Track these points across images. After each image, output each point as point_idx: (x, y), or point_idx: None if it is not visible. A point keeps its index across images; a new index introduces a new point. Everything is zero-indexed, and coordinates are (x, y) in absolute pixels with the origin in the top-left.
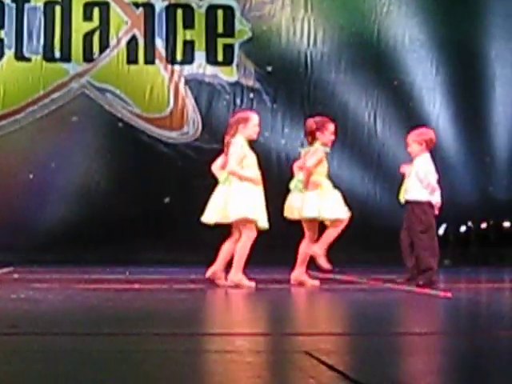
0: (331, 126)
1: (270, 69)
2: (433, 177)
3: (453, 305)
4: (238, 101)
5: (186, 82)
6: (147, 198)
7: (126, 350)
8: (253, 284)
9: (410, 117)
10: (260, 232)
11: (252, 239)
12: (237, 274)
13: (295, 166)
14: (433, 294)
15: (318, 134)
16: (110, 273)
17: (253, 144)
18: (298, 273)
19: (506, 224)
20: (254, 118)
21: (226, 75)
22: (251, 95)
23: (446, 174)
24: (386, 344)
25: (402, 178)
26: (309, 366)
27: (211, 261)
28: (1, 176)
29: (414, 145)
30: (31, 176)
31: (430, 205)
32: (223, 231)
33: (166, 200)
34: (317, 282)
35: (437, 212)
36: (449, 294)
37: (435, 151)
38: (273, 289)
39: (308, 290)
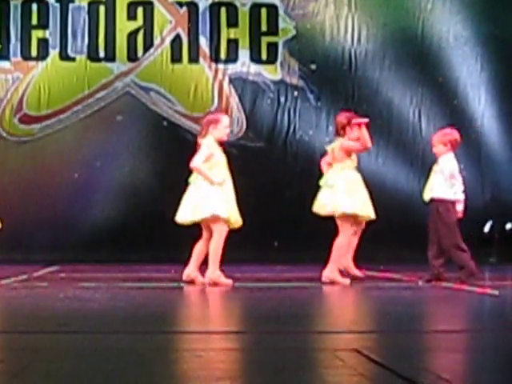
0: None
1: (313, 67)
2: (458, 176)
3: (499, 302)
4: (282, 99)
5: (230, 81)
6: None
7: (174, 349)
8: (230, 282)
9: (455, 114)
10: (235, 229)
11: (224, 236)
12: (214, 272)
13: (323, 163)
14: (479, 292)
15: (347, 128)
16: (155, 271)
17: (224, 145)
18: (329, 270)
19: None
20: (225, 120)
21: (269, 73)
22: (295, 93)
23: (490, 172)
24: (433, 341)
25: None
26: (358, 363)
27: (257, 259)
28: (46, 176)
29: (439, 145)
30: (76, 175)
31: (453, 203)
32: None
33: None
34: (348, 281)
35: (462, 210)
36: (495, 292)
37: (480, 148)
38: (308, 287)
39: (352, 288)
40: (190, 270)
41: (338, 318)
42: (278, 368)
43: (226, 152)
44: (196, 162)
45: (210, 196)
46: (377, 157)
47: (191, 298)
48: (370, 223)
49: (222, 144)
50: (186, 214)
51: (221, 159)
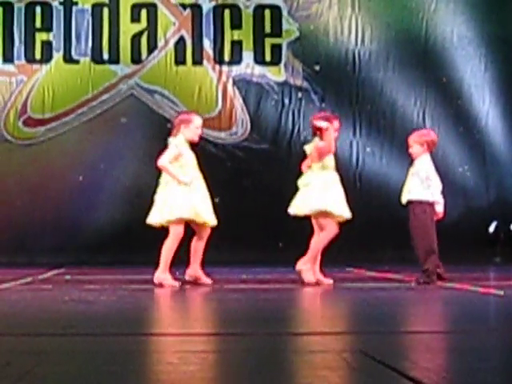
0: (336, 123)
1: (317, 68)
2: (434, 177)
3: (504, 303)
4: (287, 100)
5: (234, 83)
6: None
7: (181, 351)
8: (176, 283)
9: (459, 114)
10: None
11: (178, 238)
12: (163, 273)
13: (304, 165)
14: (485, 293)
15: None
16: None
17: (195, 146)
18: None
19: None
20: (197, 120)
21: (273, 75)
22: (299, 95)
23: (495, 172)
24: (439, 342)
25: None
26: (364, 365)
27: (262, 260)
28: (51, 178)
29: (415, 146)
30: (81, 178)
31: (430, 205)
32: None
33: (216, 200)
34: (331, 281)
35: (441, 211)
36: (501, 292)
37: (484, 149)
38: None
39: (355, 289)
40: (193, 270)
41: (339, 319)
42: (282, 370)
43: (231, 153)
44: (162, 160)
45: (175, 197)
46: (381, 157)
47: (194, 300)
48: (370, 224)
49: (196, 144)
50: (154, 215)
51: (190, 159)
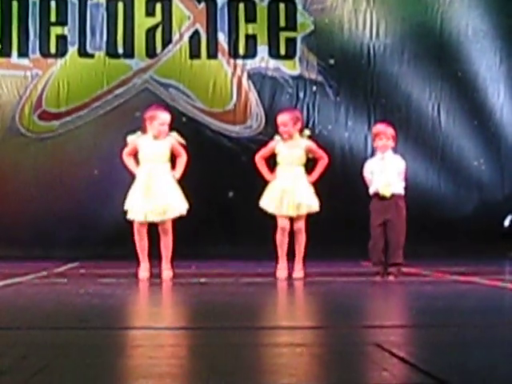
0: (278, 118)
1: (332, 62)
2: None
3: None
4: (301, 94)
5: (249, 76)
6: (211, 193)
7: (195, 345)
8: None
9: (474, 108)
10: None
11: (136, 231)
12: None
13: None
14: (501, 286)
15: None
16: (175, 267)
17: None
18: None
19: None
20: (161, 116)
21: (288, 69)
22: (314, 88)
23: (510, 165)
24: (455, 336)
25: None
26: (381, 358)
27: (275, 255)
28: (66, 172)
29: (390, 140)
30: (96, 172)
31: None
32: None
33: (230, 194)
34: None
35: None
36: None
37: (500, 142)
38: (325, 281)
39: (374, 282)
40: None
41: (359, 312)
42: (299, 364)
43: (246, 147)
44: (123, 154)
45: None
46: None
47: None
48: None
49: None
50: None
51: (146, 155)
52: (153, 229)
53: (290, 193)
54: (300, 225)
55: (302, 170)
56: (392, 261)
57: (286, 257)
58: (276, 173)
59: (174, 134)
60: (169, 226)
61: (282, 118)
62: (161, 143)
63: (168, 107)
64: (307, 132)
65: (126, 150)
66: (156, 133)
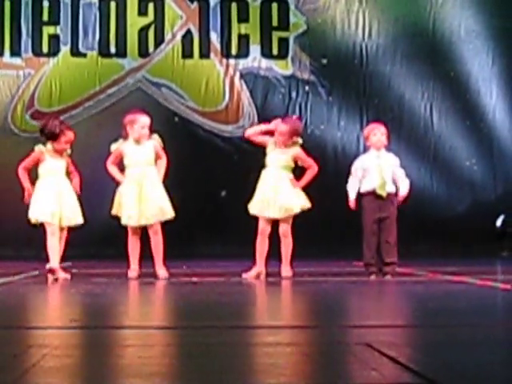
0: (279, 126)
1: (325, 61)
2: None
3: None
4: (294, 94)
5: (242, 76)
6: (203, 192)
7: (185, 344)
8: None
9: (467, 108)
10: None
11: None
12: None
13: None
14: (493, 286)
15: None
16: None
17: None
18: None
19: None
20: (141, 120)
21: (281, 68)
22: (306, 88)
23: (503, 165)
24: (446, 336)
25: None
26: (370, 357)
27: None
28: None
29: (384, 137)
30: (88, 171)
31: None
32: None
33: (223, 194)
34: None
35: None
36: (508, 286)
37: (492, 142)
38: (316, 281)
39: (365, 282)
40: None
41: (350, 312)
42: (285, 363)
43: (238, 147)
44: (107, 162)
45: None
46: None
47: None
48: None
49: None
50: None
51: (133, 160)
52: (142, 229)
53: (273, 195)
54: (285, 228)
55: (289, 174)
56: (387, 259)
57: (265, 260)
58: (262, 175)
59: (156, 137)
60: (158, 227)
61: (282, 128)
62: (145, 147)
63: (148, 111)
64: (299, 140)
65: (111, 159)
66: (137, 136)
